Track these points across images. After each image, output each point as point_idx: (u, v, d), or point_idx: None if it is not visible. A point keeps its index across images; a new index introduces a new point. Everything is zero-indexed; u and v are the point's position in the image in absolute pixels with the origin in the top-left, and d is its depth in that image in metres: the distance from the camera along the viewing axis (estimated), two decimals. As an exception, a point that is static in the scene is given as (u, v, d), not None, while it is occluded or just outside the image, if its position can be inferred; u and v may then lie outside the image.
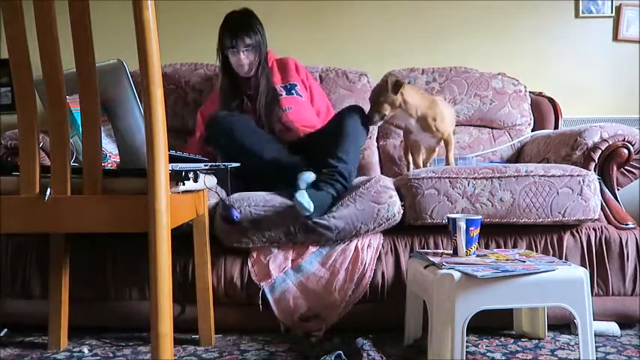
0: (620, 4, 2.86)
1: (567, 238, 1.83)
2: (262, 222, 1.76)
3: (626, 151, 1.92)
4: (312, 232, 1.76)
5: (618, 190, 1.99)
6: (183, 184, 1.29)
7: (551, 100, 2.58)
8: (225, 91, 2.29)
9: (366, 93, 2.54)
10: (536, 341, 1.71)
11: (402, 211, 1.82)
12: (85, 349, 1.70)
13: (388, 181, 1.86)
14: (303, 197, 1.69)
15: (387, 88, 1.96)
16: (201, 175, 1.49)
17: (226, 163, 1.71)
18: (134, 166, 1.34)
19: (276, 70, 2.36)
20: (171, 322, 1.11)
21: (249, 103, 2.27)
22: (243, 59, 2.21)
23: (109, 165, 1.46)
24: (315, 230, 1.76)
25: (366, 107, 2.49)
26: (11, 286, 1.87)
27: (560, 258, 1.80)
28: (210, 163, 1.60)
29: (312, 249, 1.81)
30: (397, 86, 1.95)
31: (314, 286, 1.77)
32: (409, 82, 2.44)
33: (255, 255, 1.81)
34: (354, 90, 2.55)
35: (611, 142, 1.92)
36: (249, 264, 1.80)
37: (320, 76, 2.57)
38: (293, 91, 2.30)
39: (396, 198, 1.81)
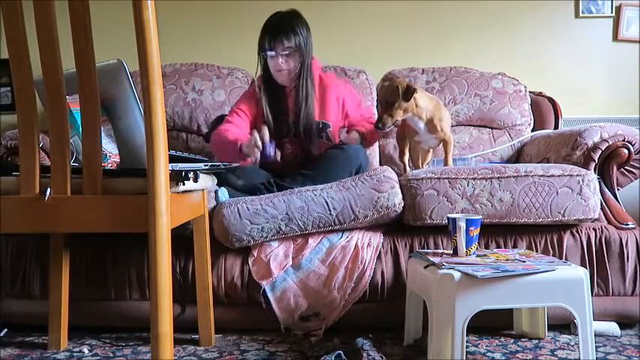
0: (620, 4, 2.86)
1: (567, 238, 1.83)
2: (260, 213, 1.76)
3: (626, 151, 1.92)
4: (309, 214, 1.77)
5: (618, 190, 1.99)
6: (183, 184, 1.29)
7: (551, 100, 2.58)
8: (267, 106, 2.14)
9: (364, 89, 2.56)
10: (536, 341, 1.71)
11: (402, 203, 1.82)
12: (85, 349, 1.70)
13: (393, 174, 1.86)
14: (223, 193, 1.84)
15: (398, 94, 1.93)
16: (202, 175, 1.49)
17: (226, 163, 1.72)
18: (134, 166, 1.34)
19: (316, 91, 2.17)
20: (171, 322, 1.11)
21: (290, 125, 2.14)
22: (282, 64, 2.07)
23: (109, 165, 1.46)
24: (311, 210, 1.77)
25: (364, 100, 2.52)
26: (11, 286, 1.87)
27: (560, 258, 1.80)
28: (210, 163, 1.61)
29: (312, 244, 1.82)
30: (410, 93, 1.92)
31: (314, 284, 1.78)
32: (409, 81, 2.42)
33: (255, 254, 1.81)
34: (353, 86, 2.54)
35: (611, 142, 1.92)
36: (250, 263, 1.80)
37: (319, 73, 2.57)
38: (323, 135, 2.13)
39: (397, 189, 1.82)
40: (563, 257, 1.81)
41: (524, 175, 1.80)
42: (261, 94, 2.16)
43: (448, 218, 1.57)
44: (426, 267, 1.52)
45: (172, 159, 1.29)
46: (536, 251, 1.81)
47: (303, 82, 2.12)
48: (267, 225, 1.77)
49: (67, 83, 1.17)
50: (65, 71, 1.16)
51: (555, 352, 1.62)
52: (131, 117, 1.35)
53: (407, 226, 1.86)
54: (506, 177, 1.80)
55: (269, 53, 2.07)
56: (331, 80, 2.25)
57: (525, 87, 2.57)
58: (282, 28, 2.07)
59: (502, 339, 1.74)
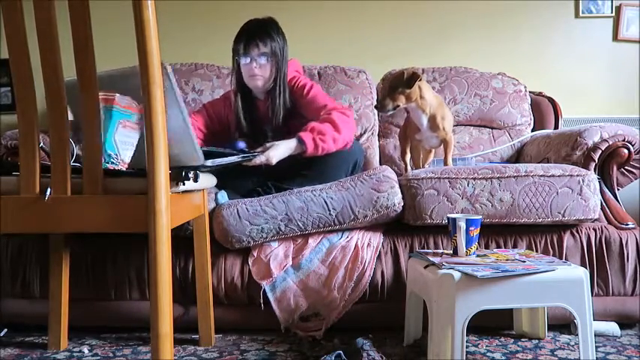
0: (620, 4, 2.86)
1: (567, 238, 1.83)
2: (260, 214, 1.76)
3: (626, 151, 1.92)
4: (309, 215, 1.77)
5: (618, 190, 1.99)
6: (184, 184, 1.29)
7: (551, 100, 2.58)
8: (241, 113, 2.09)
9: (364, 89, 2.55)
10: (536, 341, 1.71)
11: (402, 203, 1.82)
12: (85, 349, 1.70)
13: (392, 174, 1.86)
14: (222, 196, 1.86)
15: (403, 79, 1.92)
16: (202, 175, 1.49)
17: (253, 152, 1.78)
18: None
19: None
20: (171, 322, 1.11)
21: (265, 132, 2.05)
22: (256, 70, 1.99)
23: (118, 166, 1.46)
24: (311, 211, 1.77)
25: (363, 99, 2.52)
26: (11, 286, 1.87)
27: (560, 258, 1.80)
28: (241, 155, 1.64)
29: (312, 244, 1.82)
30: (413, 79, 1.92)
31: (314, 284, 1.78)
32: None
33: (255, 254, 1.81)
34: (352, 85, 2.54)
35: (611, 142, 1.92)
36: (250, 263, 1.80)
37: (318, 73, 2.56)
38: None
39: (397, 189, 1.82)
40: (563, 257, 1.81)
41: (524, 175, 1.80)
42: (236, 102, 2.11)
43: (448, 218, 1.57)
44: (426, 267, 1.52)
45: (206, 155, 1.33)
46: (536, 251, 1.81)
47: (278, 91, 2.04)
48: (267, 226, 1.77)
49: (114, 81, 1.18)
50: (111, 70, 1.18)
51: (555, 352, 1.62)
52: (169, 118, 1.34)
53: (407, 226, 1.86)
54: (507, 177, 1.80)
55: (243, 59, 2.00)
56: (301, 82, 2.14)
57: (525, 87, 2.57)
58: (257, 32, 2.01)
59: (502, 339, 1.74)
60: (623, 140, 1.92)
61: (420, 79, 1.95)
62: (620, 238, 1.82)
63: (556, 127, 2.51)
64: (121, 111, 1.30)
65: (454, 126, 2.49)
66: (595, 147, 1.92)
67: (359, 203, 1.79)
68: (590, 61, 2.89)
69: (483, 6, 2.88)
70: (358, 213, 1.79)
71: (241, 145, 1.87)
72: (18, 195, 1.20)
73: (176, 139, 1.26)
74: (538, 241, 1.83)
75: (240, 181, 2.00)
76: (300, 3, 2.85)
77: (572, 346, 1.67)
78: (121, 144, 1.48)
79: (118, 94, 1.26)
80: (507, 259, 1.52)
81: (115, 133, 1.44)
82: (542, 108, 2.57)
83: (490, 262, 1.49)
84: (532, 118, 2.55)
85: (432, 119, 2.01)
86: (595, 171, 1.92)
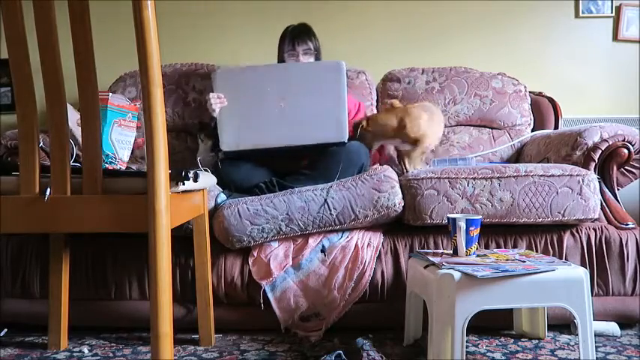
0: (620, 4, 2.86)
1: (567, 238, 1.83)
2: (260, 214, 1.77)
3: (626, 151, 1.92)
4: (310, 214, 1.77)
5: (618, 190, 1.99)
6: (183, 184, 1.29)
7: (551, 100, 2.58)
8: None
9: (364, 89, 2.56)
10: (536, 341, 1.71)
11: (403, 203, 1.82)
12: (85, 349, 1.70)
13: (393, 173, 1.86)
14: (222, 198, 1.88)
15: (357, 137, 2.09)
16: (202, 175, 1.49)
17: None
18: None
19: None
20: (171, 322, 1.11)
21: None
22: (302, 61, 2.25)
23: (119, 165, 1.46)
24: (312, 210, 1.77)
25: (363, 100, 2.52)
26: (11, 286, 1.87)
27: (560, 258, 1.80)
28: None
29: (312, 244, 1.82)
30: (356, 130, 2.09)
31: (314, 284, 1.78)
32: (386, 104, 2.36)
33: (255, 254, 1.81)
34: (352, 86, 2.53)
35: (611, 142, 1.92)
36: (250, 263, 1.80)
37: (318, 74, 2.57)
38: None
39: (398, 189, 1.82)
40: (563, 257, 1.81)
41: (524, 175, 1.80)
42: None
43: (448, 218, 1.57)
44: (426, 267, 1.52)
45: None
46: (536, 251, 1.81)
47: None
48: (268, 225, 1.77)
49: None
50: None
51: (555, 352, 1.62)
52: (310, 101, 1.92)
53: (407, 226, 1.86)
54: (506, 177, 1.80)
55: (290, 53, 2.26)
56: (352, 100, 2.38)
57: (525, 87, 2.57)
58: (303, 31, 2.31)
59: (502, 339, 1.74)
60: (623, 140, 1.92)
61: (361, 126, 2.07)
62: (620, 238, 1.82)
63: (556, 127, 2.51)
64: (115, 110, 1.30)
65: (454, 126, 2.50)
66: (595, 147, 1.92)
67: (360, 203, 1.79)
68: (590, 61, 2.89)
69: (483, 6, 2.88)
70: (359, 213, 1.79)
71: None
72: (18, 195, 1.20)
73: (328, 117, 1.90)
74: (538, 241, 1.83)
75: (244, 177, 2.01)
76: (300, 3, 2.85)
77: (572, 346, 1.67)
78: (118, 143, 1.49)
79: (111, 93, 1.26)
80: (507, 259, 1.52)
81: (110, 132, 1.44)
82: (542, 108, 2.57)
83: (490, 262, 1.49)
84: (532, 118, 2.55)
85: (399, 135, 2.06)
86: (595, 171, 1.92)
